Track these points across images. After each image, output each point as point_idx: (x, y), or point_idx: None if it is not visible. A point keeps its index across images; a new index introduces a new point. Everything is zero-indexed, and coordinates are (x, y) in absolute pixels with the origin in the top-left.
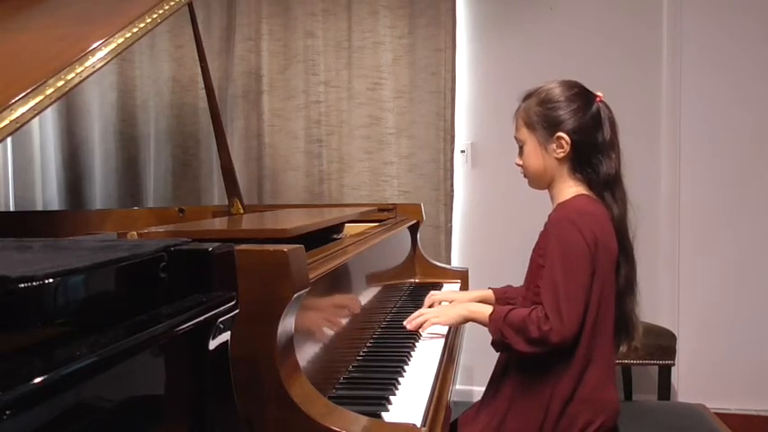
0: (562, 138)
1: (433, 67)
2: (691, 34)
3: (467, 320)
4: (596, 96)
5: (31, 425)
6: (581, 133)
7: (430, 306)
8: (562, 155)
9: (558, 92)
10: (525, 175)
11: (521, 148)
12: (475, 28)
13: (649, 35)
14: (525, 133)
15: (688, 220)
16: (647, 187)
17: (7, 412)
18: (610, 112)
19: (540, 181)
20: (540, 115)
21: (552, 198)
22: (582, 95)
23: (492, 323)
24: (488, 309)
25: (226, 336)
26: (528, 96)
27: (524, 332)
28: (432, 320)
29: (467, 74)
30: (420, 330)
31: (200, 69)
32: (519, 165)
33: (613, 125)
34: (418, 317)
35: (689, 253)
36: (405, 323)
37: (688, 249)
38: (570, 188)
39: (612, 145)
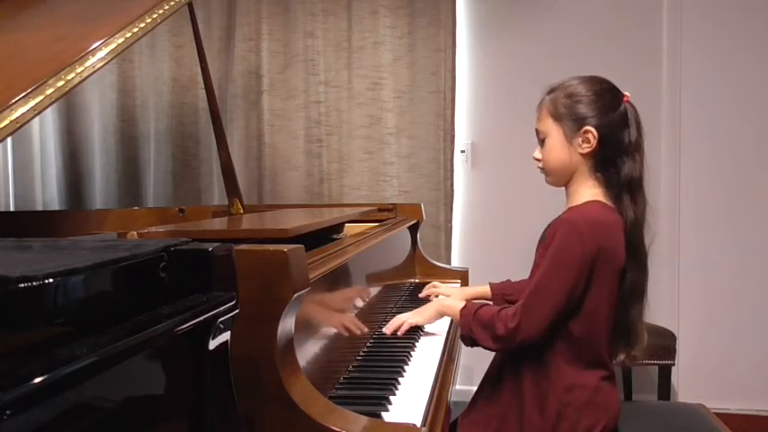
0: (590, 131)
1: (432, 67)
2: (691, 34)
3: (442, 315)
4: (624, 95)
5: (31, 425)
6: (608, 130)
7: (428, 295)
8: (587, 150)
9: (586, 86)
10: (543, 170)
11: (542, 141)
12: (475, 28)
13: (649, 35)
14: (550, 125)
15: (688, 220)
16: (647, 187)
17: (7, 412)
18: (636, 113)
19: (560, 176)
20: (567, 107)
21: (568, 196)
22: (610, 92)
23: (462, 318)
24: (461, 304)
25: (226, 336)
26: (553, 89)
27: (491, 329)
28: (408, 321)
29: (467, 74)
30: (398, 333)
31: (200, 69)
32: (537, 159)
33: (639, 127)
34: (395, 321)
35: (689, 253)
36: (384, 329)
37: (688, 249)
38: (587, 189)
39: (638, 147)
